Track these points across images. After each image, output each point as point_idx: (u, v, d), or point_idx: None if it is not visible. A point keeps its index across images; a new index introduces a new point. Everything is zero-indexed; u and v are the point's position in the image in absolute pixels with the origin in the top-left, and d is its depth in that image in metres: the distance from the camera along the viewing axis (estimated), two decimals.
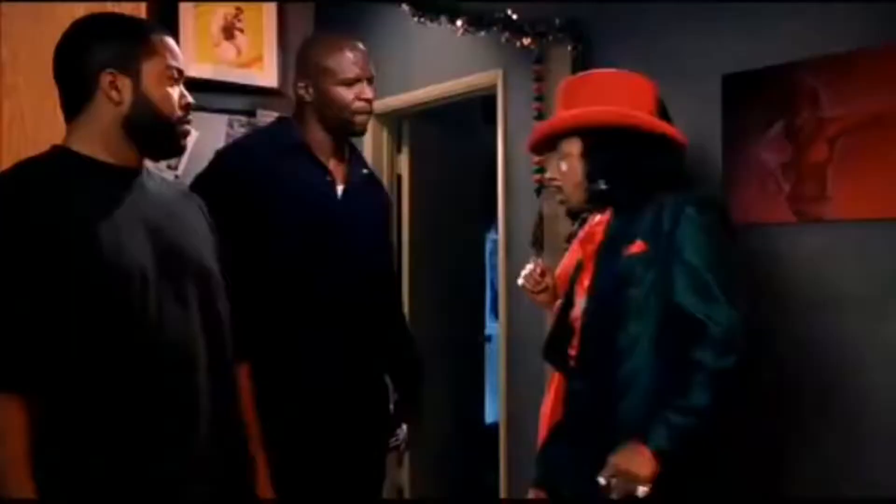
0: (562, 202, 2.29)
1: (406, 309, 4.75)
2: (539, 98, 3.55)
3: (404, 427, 2.63)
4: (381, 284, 2.49)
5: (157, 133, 1.77)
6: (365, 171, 2.52)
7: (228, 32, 2.97)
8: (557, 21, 3.30)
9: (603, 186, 2.11)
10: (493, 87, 3.81)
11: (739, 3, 2.79)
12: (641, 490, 1.90)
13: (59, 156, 1.73)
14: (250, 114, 3.01)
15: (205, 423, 1.74)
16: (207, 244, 1.87)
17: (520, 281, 2.65)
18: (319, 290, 2.33)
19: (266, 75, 3.07)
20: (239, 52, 3.00)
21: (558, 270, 2.64)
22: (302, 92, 2.39)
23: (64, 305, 1.60)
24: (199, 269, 1.80)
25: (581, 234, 2.46)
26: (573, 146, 2.15)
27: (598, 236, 2.17)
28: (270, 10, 3.05)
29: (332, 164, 2.42)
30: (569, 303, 2.22)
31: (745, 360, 1.94)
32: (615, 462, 1.93)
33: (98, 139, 1.73)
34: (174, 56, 1.78)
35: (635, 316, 2.00)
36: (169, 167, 2.66)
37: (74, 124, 1.75)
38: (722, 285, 1.95)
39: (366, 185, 2.50)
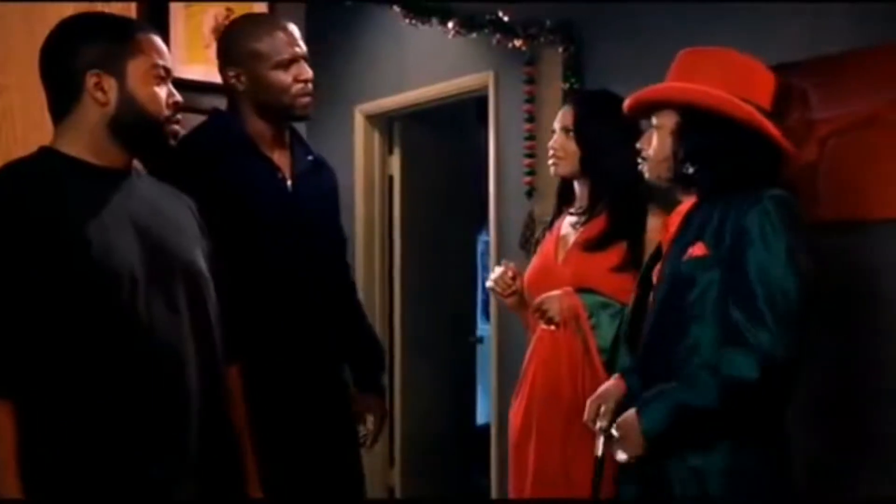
0: (644, 173, 2.12)
1: (398, 310, 4.78)
2: (530, 100, 3.56)
3: (369, 420, 2.57)
4: (336, 270, 2.45)
5: (144, 133, 1.75)
6: (310, 157, 2.38)
7: (219, 33, 2.95)
8: (548, 23, 3.31)
9: (689, 170, 1.98)
10: (485, 88, 3.82)
11: (730, 4, 2.79)
12: (621, 457, 1.94)
13: (46, 157, 1.72)
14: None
15: (195, 424, 1.73)
16: (197, 244, 1.86)
17: (489, 283, 2.63)
18: (280, 285, 2.27)
19: None
20: None
21: (526, 273, 2.62)
22: (233, 81, 2.23)
23: (52, 307, 1.59)
24: (188, 269, 1.79)
25: (672, 217, 2.23)
26: (668, 120, 2.01)
27: (674, 226, 2.07)
28: (261, 12, 3.04)
29: (277, 156, 2.28)
30: (647, 288, 2.13)
31: (776, 381, 1.84)
32: (617, 423, 1.96)
33: (85, 140, 1.72)
34: (161, 55, 1.77)
35: (696, 321, 1.92)
36: None
37: (61, 125, 1.74)
38: (773, 301, 1.82)
39: (313, 172, 2.37)
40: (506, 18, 3.29)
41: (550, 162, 2.58)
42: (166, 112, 1.76)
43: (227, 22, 2.86)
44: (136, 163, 1.83)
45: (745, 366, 1.82)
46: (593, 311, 2.40)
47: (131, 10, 2.44)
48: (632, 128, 2.39)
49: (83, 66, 1.70)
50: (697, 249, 1.92)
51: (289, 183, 2.29)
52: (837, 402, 2.56)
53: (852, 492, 2.50)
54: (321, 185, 2.40)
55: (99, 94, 1.71)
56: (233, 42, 2.25)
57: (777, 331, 1.81)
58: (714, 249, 1.90)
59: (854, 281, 2.51)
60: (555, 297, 2.41)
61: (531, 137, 3.59)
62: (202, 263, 1.84)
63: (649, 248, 2.35)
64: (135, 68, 1.73)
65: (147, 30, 1.79)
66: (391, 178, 4.75)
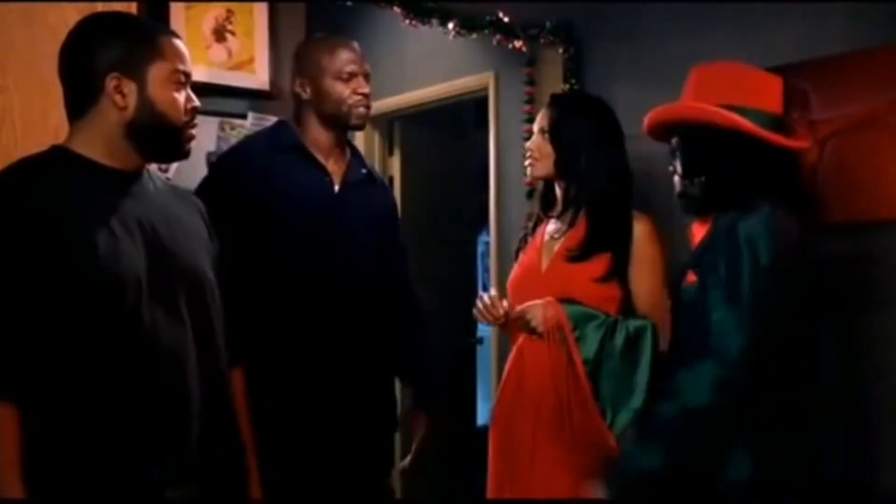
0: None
1: None
2: (530, 101, 3.55)
3: (415, 439, 2.59)
4: (383, 285, 2.47)
5: (161, 138, 1.75)
6: (364, 170, 2.51)
7: (219, 34, 2.96)
8: (549, 24, 3.30)
9: (691, 188, 2.02)
10: (485, 89, 3.81)
11: (731, 4, 2.79)
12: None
13: (59, 156, 1.71)
14: (242, 116, 3.01)
15: (196, 427, 1.73)
16: (204, 248, 1.86)
17: (477, 312, 2.46)
18: (316, 291, 2.31)
19: (258, 77, 3.06)
20: (230, 54, 2.99)
21: (509, 279, 2.57)
22: (299, 90, 2.42)
23: (53, 308, 1.59)
24: (193, 274, 1.79)
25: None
26: (673, 140, 2.08)
27: (697, 238, 2.10)
28: (262, 13, 3.04)
29: (331, 163, 2.43)
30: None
31: (736, 397, 1.88)
32: None
33: (100, 142, 1.72)
34: (182, 59, 1.76)
35: (704, 344, 1.93)
36: (160, 170, 2.65)
37: (77, 125, 1.73)
38: (753, 311, 1.85)
39: (365, 183, 2.49)
40: (506, 19, 3.29)
41: (526, 163, 2.55)
42: (184, 118, 1.76)
43: (228, 23, 2.88)
44: (147, 166, 1.83)
45: (696, 390, 1.87)
46: (578, 323, 2.34)
47: (132, 11, 2.43)
48: (613, 132, 2.45)
49: (104, 67, 1.69)
50: (691, 276, 2.00)
51: (336, 188, 2.40)
52: (841, 403, 2.55)
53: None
54: (371, 197, 2.50)
55: (118, 98, 1.70)
56: (303, 54, 2.46)
57: (746, 335, 1.84)
58: (701, 276, 1.95)
59: (854, 283, 2.50)
60: (538, 306, 2.36)
61: (531, 138, 3.57)
62: (208, 268, 1.83)
63: (638, 258, 2.36)
64: (156, 73, 1.72)
65: (170, 34, 1.79)
66: (391, 179, 4.75)
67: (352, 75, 2.40)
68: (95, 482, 1.62)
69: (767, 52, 2.67)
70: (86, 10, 2.04)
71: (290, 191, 2.34)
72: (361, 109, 2.42)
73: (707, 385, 1.86)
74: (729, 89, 2.00)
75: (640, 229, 2.39)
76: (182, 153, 1.82)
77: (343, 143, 2.48)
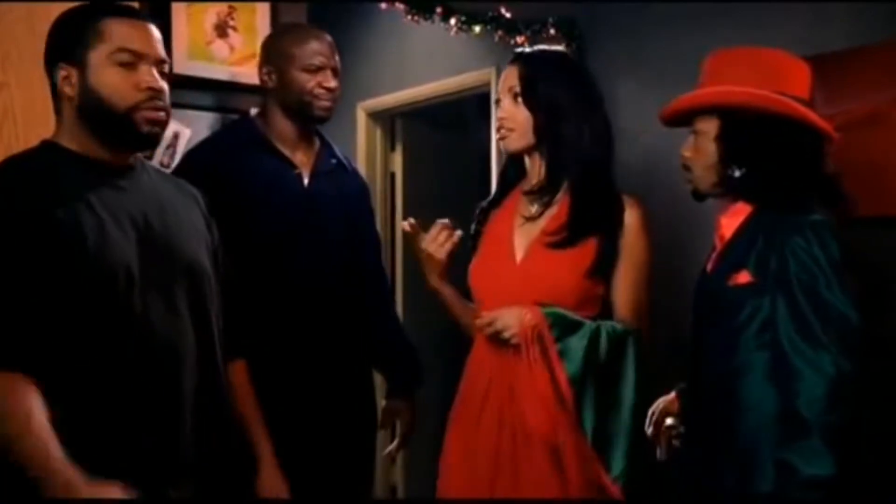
0: (688, 183, 1.98)
1: (400, 307, 4.77)
2: None
3: (399, 426, 2.59)
4: (358, 273, 2.45)
5: (108, 123, 1.69)
6: (334, 160, 2.47)
7: (221, 30, 2.95)
8: (551, 20, 3.30)
9: (737, 173, 1.90)
10: (487, 85, 3.81)
11: (733, 4, 2.79)
12: None
13: (46, 150, 1.72)
14: (244, 112, 3.00)
15: (189, 422, 1.72)
16: (202, 239, 1.84)
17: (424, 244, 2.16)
18: (290, 281, 2.29)
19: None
20: (232, 50, 2.98)
21: (471, 272, 2.18)
22: (265, 78, 2.39)
23: (47, 302, 1.58)
24: (190, 265, 1.77)
25: None
26: (709, 125, 1.92)
27: (725, 238, 1.93)
28: (263, 9, 3.03)
29: (298, 155, 2.39)
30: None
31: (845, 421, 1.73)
32: None
33: (69, 133, 1.71)
34: (128, 38, 1.69)
35: (743, 346, 1.83)
36: (162, 165, 2.65)
37: (57, 120, 1.74)
38: (831, 326, 1.75)
39: (335, 173, 2.45)
40: (508, 15, 3.28)
41: (498, 136, 2.10)
42: (135, 98, 1.68)
43: (229, 19, 2.88)
44: (140, 157, 1.81)
45: (817, 460, 1.70)
46: (560, 333, 1.94)
47: (133, 7, 2.43)
48: (594, 91, 2.10)
49: (55, 59, 1.70)
50: (742, 277, 1.85)
51: (305, 181, 2.36)
52: None
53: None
54: (343, 187, 2.45)
55: (67, 88, 1.69)
56: (272, 43, 2.42)
57: (840, 352, 1.74)
58: (759, 277, 1.83)
59: (856, 279, 2.50)
60: (514, 314, 1.94)
61: None
62: (205, 259, 1.82)
63: (626, 250, 2.02)
64: (94, 56, 1.68)
65: (115, 13, 1.72)
66: (393, 175, 4.75)
67: (319, 68, 2.34)
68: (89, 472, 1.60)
69: (769, 47, 2.67)
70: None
71: (258, 187, 2.30)
72: (325, 102, 2.36)
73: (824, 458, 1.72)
74: (763, 74, 1.92)
75: (633, 215, 2.02)
76: (140, 137, 1.71)
77: (311, 133, 2.44)
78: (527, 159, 2.09)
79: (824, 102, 2.55)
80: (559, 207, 2.03)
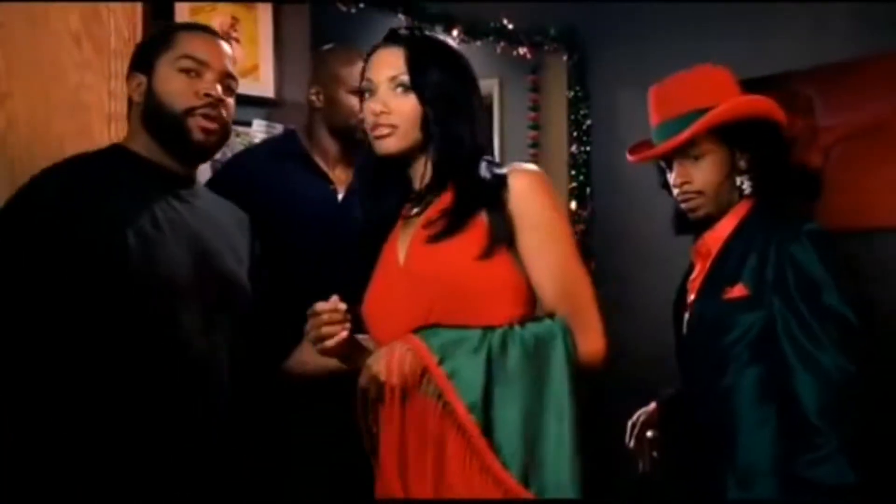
0: (695, 209, 1.95)
1: None
2: (535, 108, 3.56)
3: None
4: None
5: (164, 126, 1.72)
6: None
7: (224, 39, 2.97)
8: (553, 30, 3.31)
9: (746, 185, 1.93)
10: (489, 96, 3.81)
11: (736, 13, 2.79)
12: None
13: (113, 152, 1.76)
14: (247, 124, 3.01)
15: (216, 439, 1.72)
16: (244, 264, 1.85)
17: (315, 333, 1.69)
18: (316, 299, 2.30)
19: (262, 85, 3.05)
20: (234, 61, 2.99)
21: (364, 301, 1.76)
22: (313, 98, 2.42)
23: (91, 304, 1.58)
24: (229, 282, 1.78)
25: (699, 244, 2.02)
26: (711, 146, 1.93)
27: (712, 254, 1.94)
28: (266, 20, 3.04)
29: (337, 171, 2.42)
30: (682, 301, 2.03)
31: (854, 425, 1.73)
32: None
33: (134, 139, 1.76)
34: (192, 46, 1.75)
35: (736, 362, 1.84)
36: None
37: (128, 126, 1.81)
38: (830, 329, 1.76)
39: None
40: (510, 26, 3.29)
41: (375, 133, 1.67)
42: (191, 102, 1.71)
43: (232, 30, 2.89)
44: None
45: (833, 470, 1.70)
46: (444, 354, 1.55)
47: (136, 13, 2.44)
48: (476, 81, 1.80)
49: (130, 70, 1.78)
50: (738, 290, 1.85)
51: (339, 196, 2.39)
52: None
53: None
54: None
55: (136, 95, 1.76)
56: (320, 63, 2.44)
57: (844, 357, 1.74)
58: (755, 290, 1.83)
59: (859, 289, 2.50)
60: (381, 353, 1.59)
61: (535, 145, 3.59)
62: (247, 285, 1.82)
63: (526, 224, 1.61)
64: (161, 64, 1.74)
65: (189, 28, 1.83)
66: None
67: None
68: (109, 486, 1.59)
69: (773, 58, 2.67)
70: (89, 14, 2.05)
71: (292, 200, 2.34)
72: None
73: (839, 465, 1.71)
74: (718, 86, 1.98)
75: (518, 178, 1.63)
76: (192, 143, 1.70)
77: (353, 152, 2.48)
78: (412, 160, 1.71)
79: (827, 112, 2.56)
80: (440, 199, 1.69)
